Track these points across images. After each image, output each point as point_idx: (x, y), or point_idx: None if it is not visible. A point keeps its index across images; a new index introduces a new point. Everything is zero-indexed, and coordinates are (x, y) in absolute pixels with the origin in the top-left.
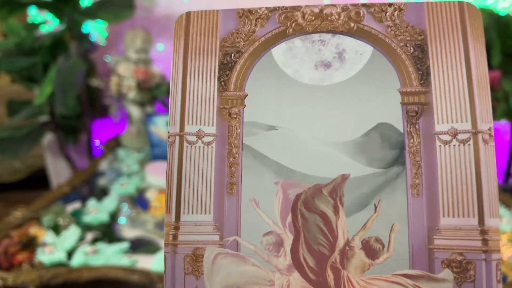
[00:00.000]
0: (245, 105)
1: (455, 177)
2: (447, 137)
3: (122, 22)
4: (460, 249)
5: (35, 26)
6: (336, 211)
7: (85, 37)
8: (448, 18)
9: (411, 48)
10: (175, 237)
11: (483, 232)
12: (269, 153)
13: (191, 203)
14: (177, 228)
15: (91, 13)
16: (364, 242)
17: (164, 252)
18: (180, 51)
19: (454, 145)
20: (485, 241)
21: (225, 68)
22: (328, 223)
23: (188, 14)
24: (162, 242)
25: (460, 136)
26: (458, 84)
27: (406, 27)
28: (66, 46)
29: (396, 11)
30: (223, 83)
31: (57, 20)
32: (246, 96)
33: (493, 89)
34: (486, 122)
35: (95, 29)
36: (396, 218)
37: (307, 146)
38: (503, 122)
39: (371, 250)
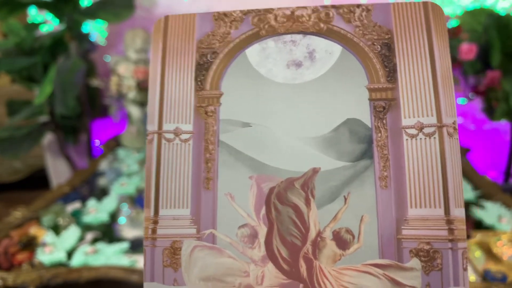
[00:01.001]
0: (221, 103)
1: (421, 169)
2: (413, 131)
3: (122, 22)
4: (427, 238)
5: (35, 26)
6: (307, 203)
7: (85, 37)
8: (413, 18)
9: (379, 46)
10: (154, 231)
11: (449, 221)
12: (244, 149)
13: (169, 198)
14: (155, 222)
15: (91, 13)
16: (335, 233)
17: (144, 246)
18: (159, 52)
19: (420, 139)
20: (451, 231)
21: (201, 68)
22: (300, 215)
23: (166, 17)
24: None
25: (426, 130)
26: (424, 80)
27: (374, 26)
28: (66, 46)
29: (364, 12)
30: (199, 83)
31: (57, 20)
32: (221, 95)
33: (493, 89)
34: (450, 116)
35: (95, 29)
36: (365, 209)
37: (280, 141)
38: (503, 122)
39: (342, 241)
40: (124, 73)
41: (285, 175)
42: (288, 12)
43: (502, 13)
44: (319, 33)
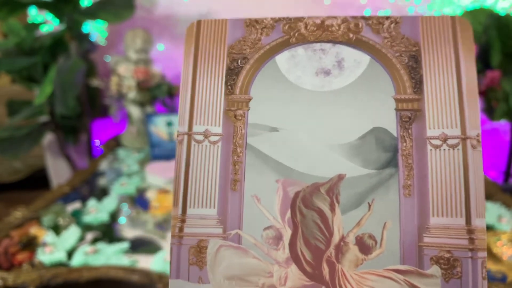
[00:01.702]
0: (250, 107)
1: (444, 179)
2: (437, 142)
3: (122, 22)
4: (448, 247)
5: (35, 26)
6: (332, 208)
7: (85, 37)
8: (440, 31)
9: (406, 58)
10: (181, 229)
11: (470, 231)
12: (271, 153)
13: (197, 197)
14: (183, 221)
15: (91, 13)
16: (358, 238)
17: (170, 243)
18: (191, 56)
19: (444, 149)
20: (471, 240)
21: (232, 73)
22: (324, 219)
23: (199, 22)
24: (162, 242)
25: (450, 141)
26: (449, 93)
27: (402, 38)
28: (66, 46)
29: (393, 24)
30: (229, 87)
31: (57, 20)
32: (251, 99)
33: (493, 89)
34: (474, 128)
35: (95, 29)
36: (388, 216)
37: (306, 147)
38: (503, 122)
39: (364, 246)
40: (124, 73)
41: (310, 180)
42: (318, 21)
43: (502, 13)
44: (348, 43)
